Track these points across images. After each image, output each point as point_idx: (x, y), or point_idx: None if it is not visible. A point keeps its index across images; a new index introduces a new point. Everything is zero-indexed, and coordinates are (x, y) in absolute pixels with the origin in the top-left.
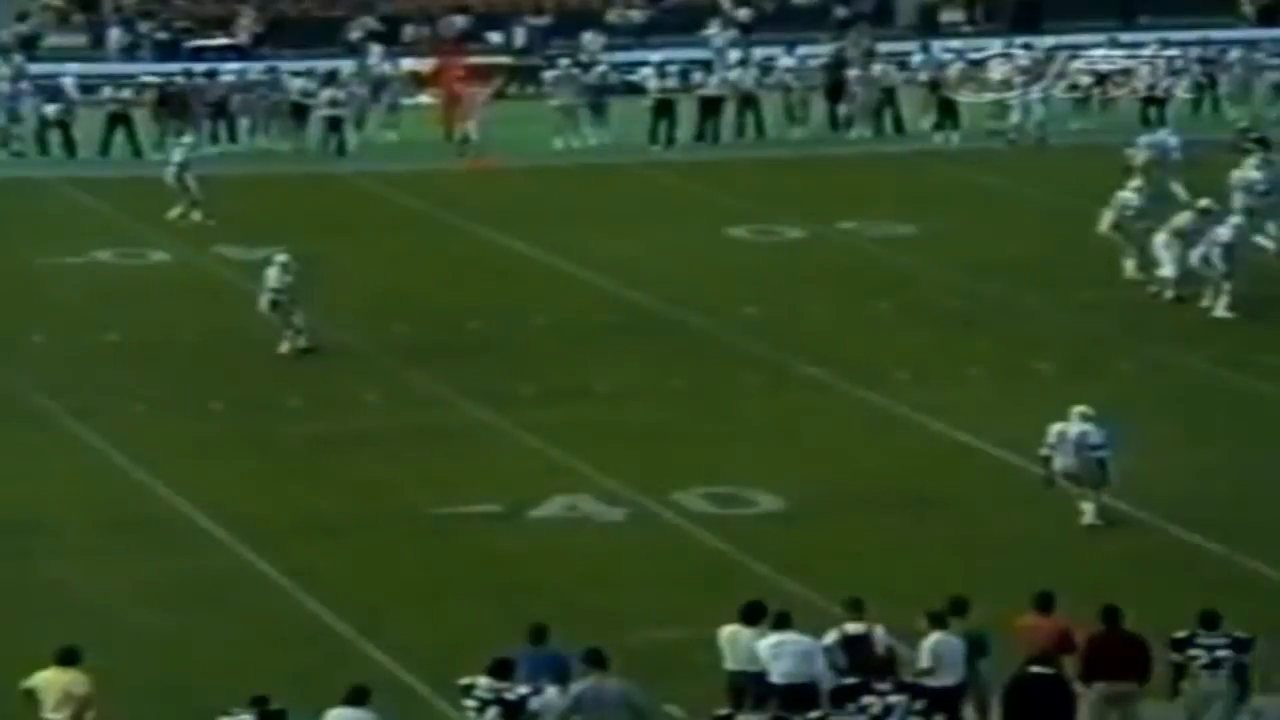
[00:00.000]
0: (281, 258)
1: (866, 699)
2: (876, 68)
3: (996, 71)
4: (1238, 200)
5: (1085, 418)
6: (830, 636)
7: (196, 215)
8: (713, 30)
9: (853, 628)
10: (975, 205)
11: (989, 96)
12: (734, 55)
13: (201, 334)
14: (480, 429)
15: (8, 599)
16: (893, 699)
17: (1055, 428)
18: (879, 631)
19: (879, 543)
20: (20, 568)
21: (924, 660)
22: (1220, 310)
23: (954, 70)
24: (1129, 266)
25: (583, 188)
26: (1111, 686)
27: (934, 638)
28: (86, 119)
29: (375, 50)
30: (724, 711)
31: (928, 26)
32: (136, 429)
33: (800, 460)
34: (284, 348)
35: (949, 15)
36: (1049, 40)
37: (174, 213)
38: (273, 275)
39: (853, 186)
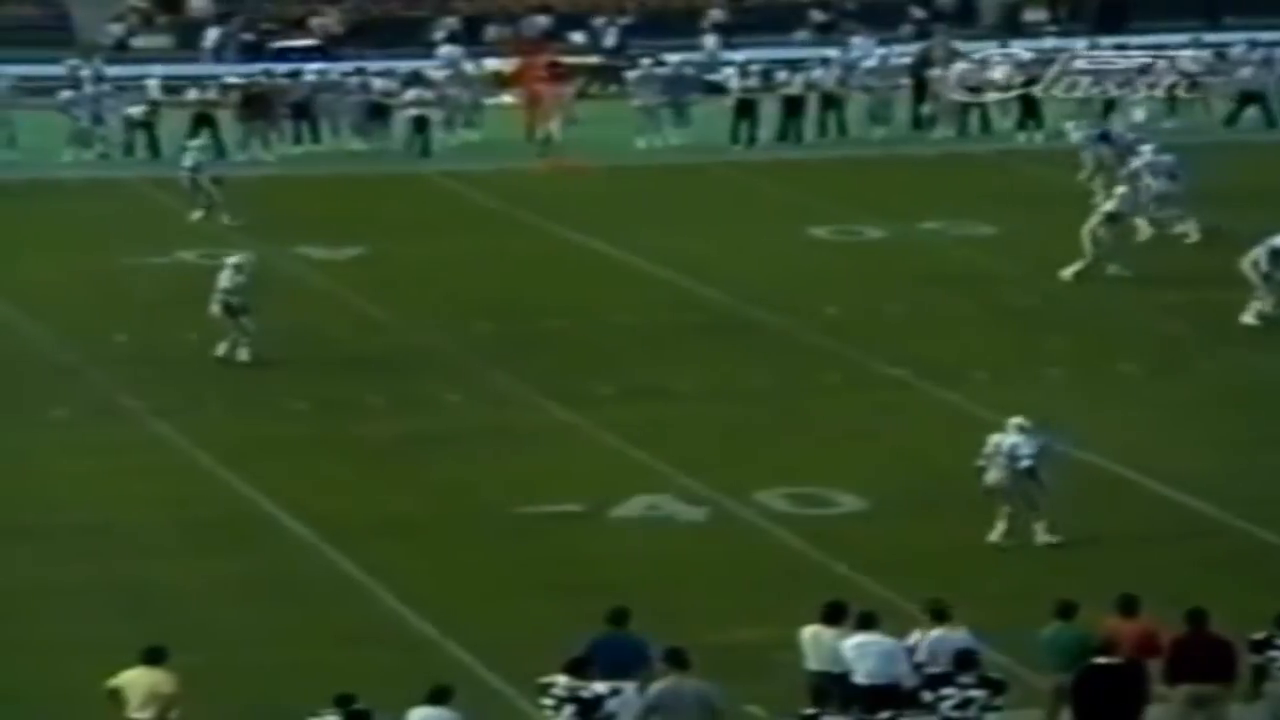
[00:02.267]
0: (235, 259)
1: (946, 690)
2: (960, 67)
3: (997, 71)
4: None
5: (1021, 429)
6: (913, 637)
7: (225, 218)
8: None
9: (937, 631)
10: (1058, 205)
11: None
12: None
13: (284, 334)
14: (560, 428)
15: (93, 598)
16: (973, 692)
17: (992, 439)
18: (962, 633)
19: (960, 543)
20: (105, 567)
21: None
22: (1249, 316)
23: (954, 70)
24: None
25: (664, 188)
26: (1197, 689)
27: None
28: (171, 120)
29: (455, 50)
30: (810, 711)
31: (1010, 26)
32: (219, 428)
33: (880, 460)
34: (221, 349)
35: (1032, 15)
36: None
37: (196, 215)
38: (225, 277)
39: (935, 186)
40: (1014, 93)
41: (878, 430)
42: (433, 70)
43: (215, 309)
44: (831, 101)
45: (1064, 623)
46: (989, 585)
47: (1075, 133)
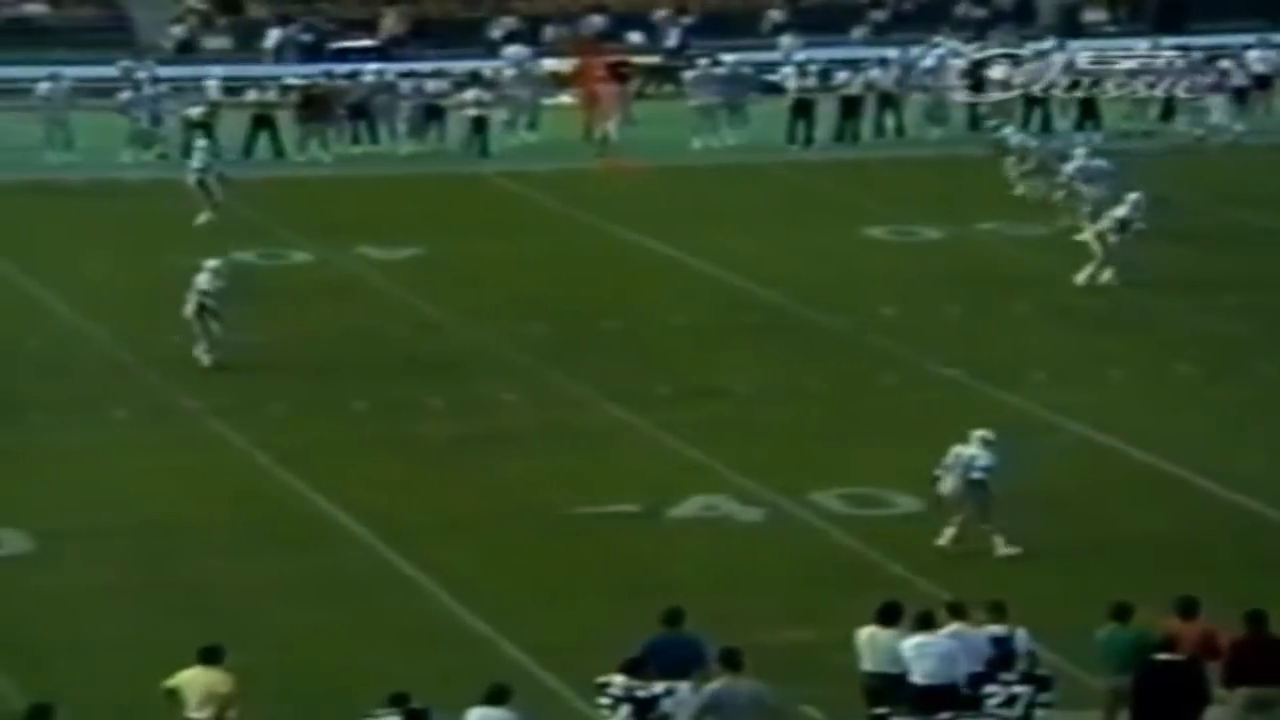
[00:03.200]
0: (213, 263)
1: (991, 688)
2: (1024, 68)
3: (996, 71)
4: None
5: (985, 442)
6: (968, 639)
7: (203, 217)
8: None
9: (994, 630)
10: None
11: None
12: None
13: (343, 334)
14: (618, 428)
15: (152, 598)
16: (1017, 689)
17: (954, 450)
18: (1021, 634)
19: (1017, 544)
20: (164, 567)
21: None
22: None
23: (954, 71)
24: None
25: (721, 188)
26: (1256, 691)
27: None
28: (230, 121)
29: (521, 50)
30: (881, 711)
31: (1069, 27)
32: (279, 429)
33: (937, 461)
34: (201, 352)
35: (1091, 15)
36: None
37: (202, 219)
38: (203, 280)
39: (993, 187)
40: (1015, 92)
41: (935, 431)
42: (501, 70)
43: (189, 310)
44: (889, 101)
45: (1119, 624)
46: (1044, 586)
47: (1015, 136)
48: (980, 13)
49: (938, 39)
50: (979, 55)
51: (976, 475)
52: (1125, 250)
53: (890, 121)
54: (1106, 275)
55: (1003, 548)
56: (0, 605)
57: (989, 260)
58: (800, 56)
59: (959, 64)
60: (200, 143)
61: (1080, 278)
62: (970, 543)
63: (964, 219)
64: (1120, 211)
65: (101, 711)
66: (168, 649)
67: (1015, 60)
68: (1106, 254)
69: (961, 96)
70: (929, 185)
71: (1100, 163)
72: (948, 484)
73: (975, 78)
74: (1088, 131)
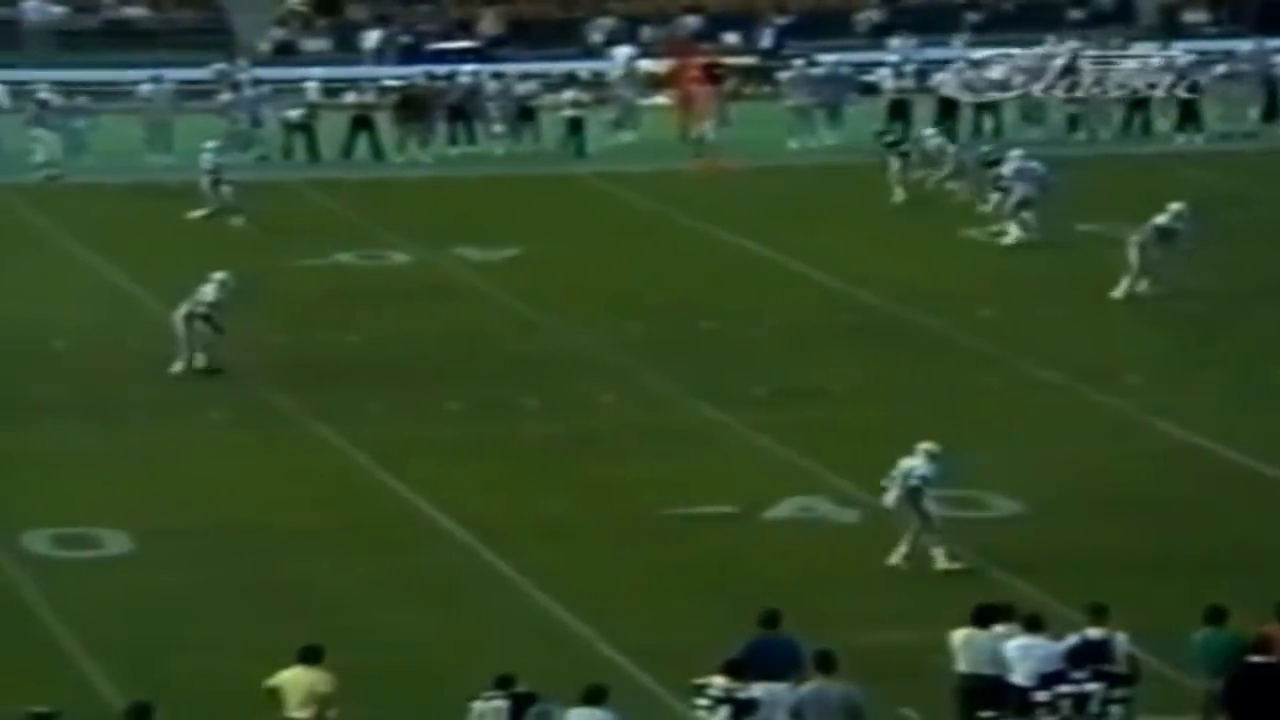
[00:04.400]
0: (220, 275)
1: (1062, 687)
2: (1125, 68)
3: (995, 71)
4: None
5: (929, 455)
6: (1071, 641)
7: (238, 220)
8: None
9: (1094, 633)
10: (1215, 208)
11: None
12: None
13: (440, 335)
14: (713, 429)
15: (251, 598)
16: (1089, 686)
17: (903, 462)
18: (1120, 638)
19: (1115, 547)
20: (263, 566)
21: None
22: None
23: (953, 71)
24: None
25: (817, 188)
26: None
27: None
28: (330, 122)
29: (628, 50)
30: (989, 715)
31: (1170, 27)
32: (376, 429)
33: (1035, 463)
34: (200, 362)
35: (1192, 16)
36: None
37: (238, 221)
38: (209, 291)
39: (1092, 188)
40: (1015, 92)
41: (1032, 433)
42: (607, 70)
43: (179, 315)
44: (987, 102)
45: (1215, 628)
46: (1143, 589)
47: (933, 140)
48: (1079, 14)
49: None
50: (979, 56)
51: (912, 483)
52: (1170, 260)
53: (988, 122)
54: (1143, 285)
55: (942, 561)
56: (101, 605)
57: (1087, 262)
58: (893, 58)
59: (1057, 64)
60: (210, 144)
61: (1118, 291)
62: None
63: (1062, 220)
64: (1160, 219)
65: (201, 711)
66: (267, 649)
67: (1109, 61)
68: (1144, 264)
69: (967, 97)
70: None
71: (1034, 164)
72: (890, 496)
73: (1070, 79)
74: (1190, 134)
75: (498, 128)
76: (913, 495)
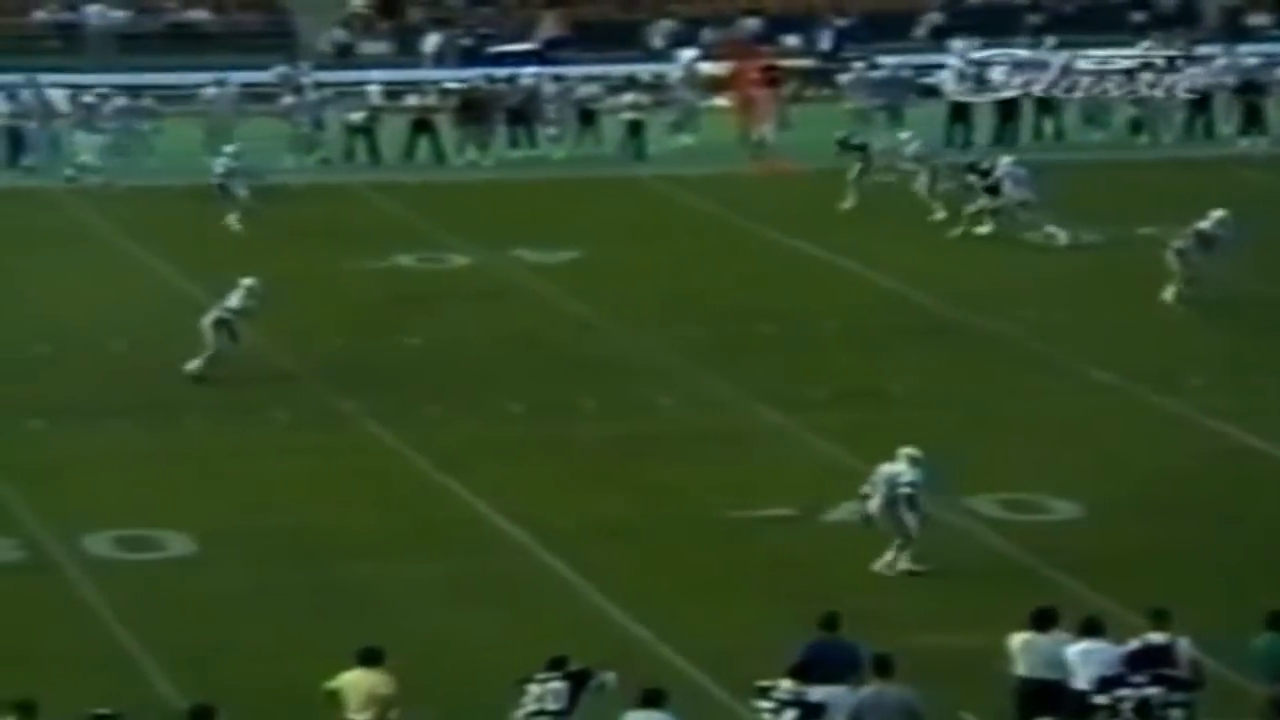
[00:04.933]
0: (249, 281)
1: (1121, 691)
2: (1189, 71)
3: (994, 72)
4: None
5: (911, 460)
6: (1133, 645)
7: (231, 219)
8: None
9: (1156, 637)
10: (1278, 211)
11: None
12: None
13: (499, 337)
14: (773, 432)
15: (311, 600)
16: (1149, 690)
17: (882, 468)
18: (1183, 643)
19: (1175, 550)
20: (323, 568)
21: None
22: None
23: (953, 72)
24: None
25: (877, 191)
26: None
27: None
28: (391, 125)
29: (690, 53)
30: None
31: (1233, 30)
32: (435, 431)
33: (1094, 466)
34: (193, 366)
35: (1255, 19)
36: None
37: (233, 219)
38: (235, 297)
39: (1154, 191)
40: (1011, 93)
41: (1091, 435)
42: (668, 73)
43: (208, 321)
44: (1048, 105)
45: (1275, 634)
46: (1202, 592)
47: (913, 143)
48: (1141, 16)
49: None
50: (979, 56)
51: (904, 491)
52: (1211, 265)
53: (1049, 125)
54: (1182, 290)
55: (904, 562)
56: (164, 607)
57: (1147, 264)
58: (973, 58)
59: (1119, 66)
60: (228, 148)
61: (1167, 294)
62: (923, 561)
63: (1122, 223)
64: (1202, 225)
65: (262, 713)
66: (327, 651)
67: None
68: (1186, 269)
69: (964, 97)
70: (1089, 189)
71: (1022, 170)
72: (874, 503)
73: (1132, 80)
74: (1253, 136)
75: (553, 130)
76: (907, 502)
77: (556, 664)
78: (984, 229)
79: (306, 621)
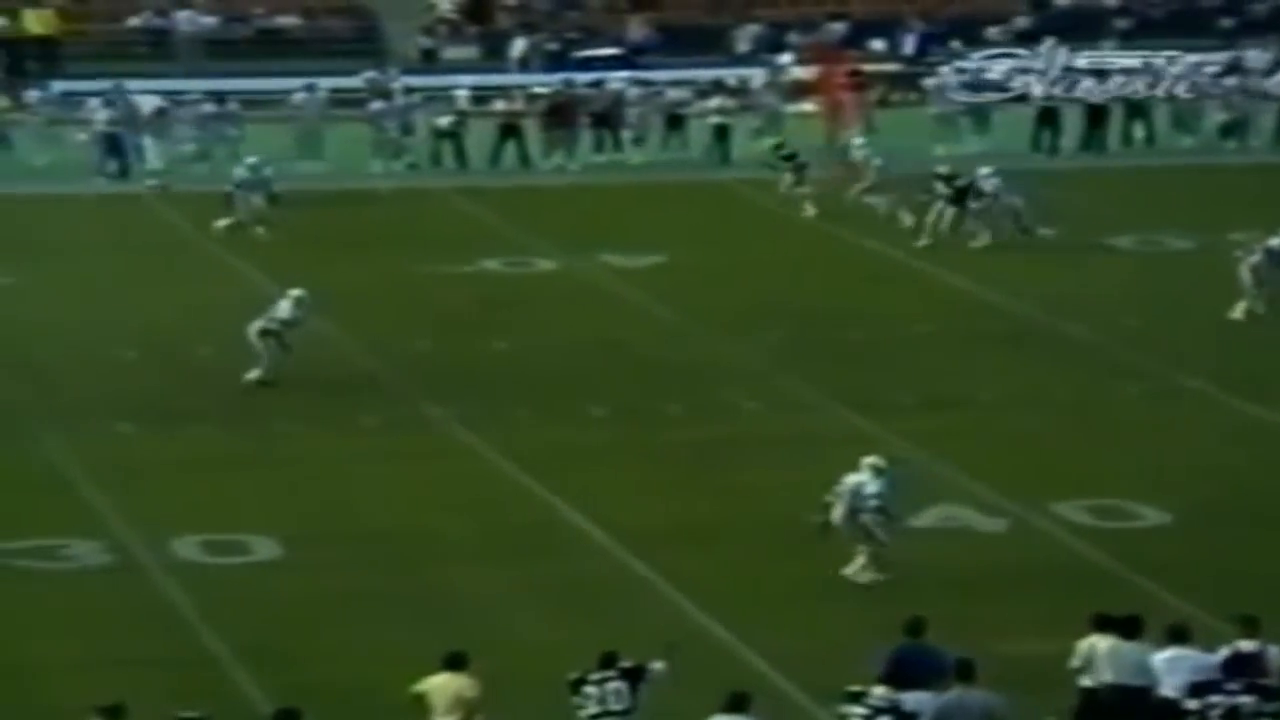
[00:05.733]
0: (296, 293)
1: (1213, 698)
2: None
3: (995, 73)
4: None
5: (875, 470)
6: (1222, 653)
7: (222, 223)
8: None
9: (1246, 645)
10: None
11: None
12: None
13: (585, 341)
14: (858, 436)
15: (398, 604)
16: (1242, 699)
17: (848, 478)
18: (1273, 651)
19: (1264, 557)
20: (409, 572)
21: (1075, 660)
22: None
23: (1040, 76)
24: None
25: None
26: None
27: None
28: (478, 130)
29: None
30: None
31: None
32: (521, 435)
33: (1184, 473)
34: (254, 374)
35: None
36: None
37: (221, 223)
38: (284, 308)
39: (1245, 196)
40: (1012, 94)
41: (1181, 443)
42: (749, 78)
43: (254, 330)
44: (1138, 110)
45: None
46: None
47: (860, 150)
48: (1230, 21)
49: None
50: (979, 56)
51: (872, 503)
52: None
53: (1139, 130)
54: (1254, 307)
55: (861, 573)
56: (250, 610)
57: (1235, 270)
58: (1040, 65)
59: (1209, 71)
60: (249, 160)
61: (1237, 312)
62: (889, 570)
63: (1214, 229)
64: (1273, 241)
65: (347, 716)
66: (412, 654)
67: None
68: (1257, 283)
69: (963, 97)
70: (1178, 195)
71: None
72: (837, 512)
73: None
74: None
75: (631, 134)
76: (876, 512)
77: (608, 661)
78: (980, 241)
79: (392, 625)
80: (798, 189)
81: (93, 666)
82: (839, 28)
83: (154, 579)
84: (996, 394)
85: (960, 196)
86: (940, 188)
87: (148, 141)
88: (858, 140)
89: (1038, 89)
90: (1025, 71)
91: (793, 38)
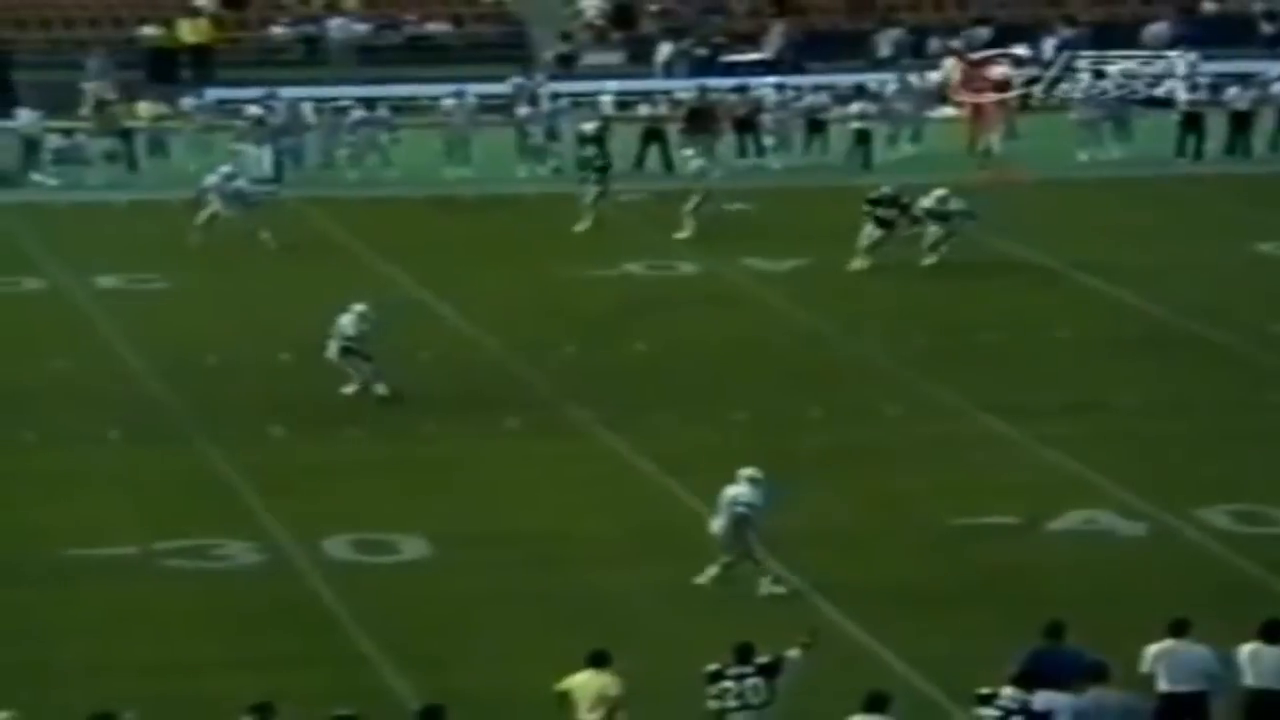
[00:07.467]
0: (360, 307)
1: None
2: None
3: (995, 73)
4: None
5: (751, 480)
6: None
7: (210, 219)
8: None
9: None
10: None
11: None
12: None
13: (727, 344)
14: (998, 441)
15: (543, 604)
16: None
17: (727, 489)
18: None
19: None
20: (554, 573)
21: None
22: None
23: (1183, 82)
24: None
25: (1106, 201)
26: None
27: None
28: (622, 135)
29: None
30: None
31: None
32: (663, 438)
33: None
34: (351, 388)
35: None
36: None
37: (266, 235)
38: (347, 322)
39: None
40: (1016, 93)
41: None
42: (884, 84)
43: (332, 352)
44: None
45: None
46: None
47: (694, 161)
48: None
49: None
50: (978, 56)
51: (739, 510)
52: None
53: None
54: None
55: (767, 586)
56: (399, 609)
57: None
58: (1185, 69)
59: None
60: (223, 167)
61: None
62: (738, 584)
63: None
64: None
65: (492, 715)
66: (557, 653)
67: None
68: None
69: (967, 98)
70: None
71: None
72: (715, 523)
73: None
74: None
75: (771, 140)
76: (740, 523)
77: (744, 653)
78: (930, 260)
79: (537, 625)
80: (599, 202)
81: (245, 665)
82: (982, 33)
83: (306, 578)
84: (1137, 398)
85: (899, 218)
86: (884, 213)
87: (249, 149)
88: (688, 151)
89: (1182, 94)
90: (1168, 77)
91: (934, 43)
